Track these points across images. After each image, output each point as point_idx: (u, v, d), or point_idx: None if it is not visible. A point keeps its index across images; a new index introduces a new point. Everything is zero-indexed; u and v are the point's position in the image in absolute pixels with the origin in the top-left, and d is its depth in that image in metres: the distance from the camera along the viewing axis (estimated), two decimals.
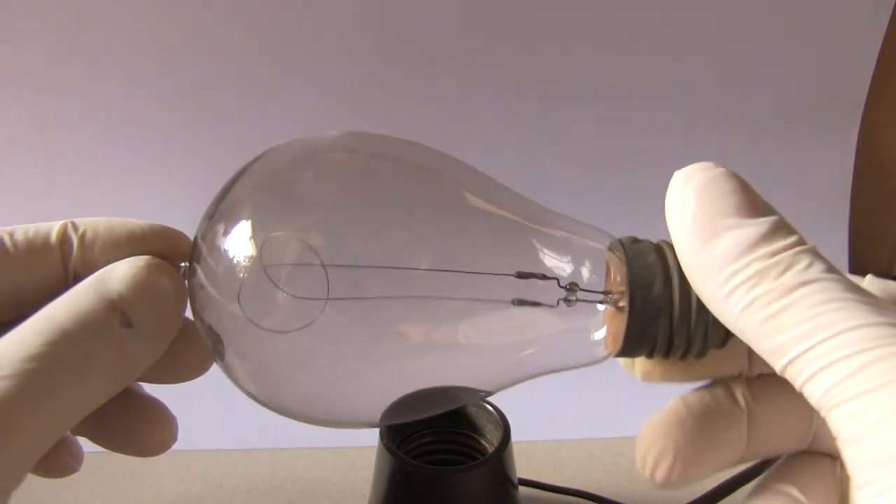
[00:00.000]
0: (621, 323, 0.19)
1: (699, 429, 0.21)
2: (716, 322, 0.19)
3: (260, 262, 0.18)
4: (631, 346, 0.20)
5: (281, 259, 0.19)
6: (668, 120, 0.51)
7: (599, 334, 0.20)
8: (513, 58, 0.49)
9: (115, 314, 0.18)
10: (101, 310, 0.18)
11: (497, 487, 0.33)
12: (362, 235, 0.19)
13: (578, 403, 0.47)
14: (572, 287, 0.20)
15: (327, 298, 0.18)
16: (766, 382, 0.22)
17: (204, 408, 0.47)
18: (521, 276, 0.19)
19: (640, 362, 0.22)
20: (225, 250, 0.19)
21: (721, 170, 0.18)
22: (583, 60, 0.49)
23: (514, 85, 0.50)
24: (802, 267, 0.17)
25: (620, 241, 0.20)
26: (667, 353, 0.20)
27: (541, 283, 0.19)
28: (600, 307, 0.20)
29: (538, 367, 0.21)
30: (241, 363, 0.20)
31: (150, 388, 0.23)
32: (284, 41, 0.48)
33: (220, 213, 0.20)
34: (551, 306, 0.20)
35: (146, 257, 0.19)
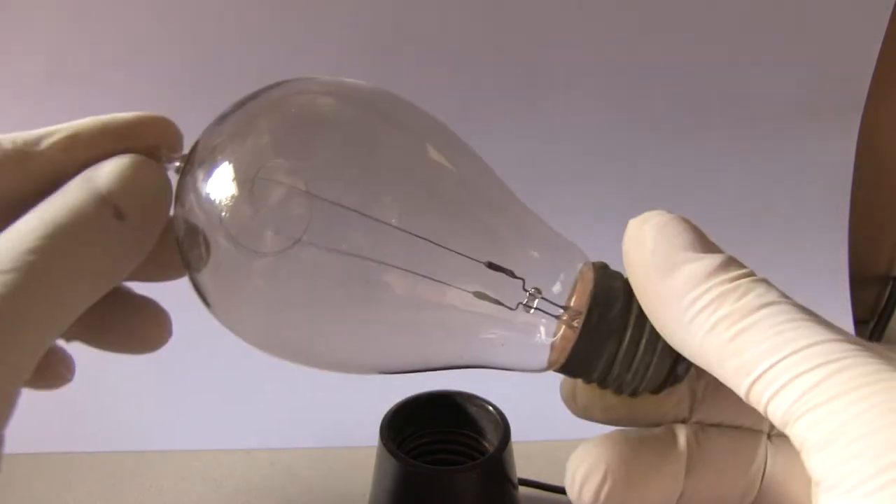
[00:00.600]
0: (571, 340, 0.20)
1: (633, 453, 0.21)
2: (658, 366, 0.20)
3: (251, 186, 0.19)
4: (575, 360, 0.20)
5: (272, 188, 0.19)
6: (667, 120, 0.51)
7: (547, 344, 0.20)
8: (512, 56, 0.49)
9: (107, 208, 0.19)
10: (92, 203, 0.19)
11: (497, 487, 0.33)
12: (353, 188, 0.20)
13: None
14: (535, 293, 0.20)
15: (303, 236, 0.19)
16: (707, 433, 0.22)
17: (204, 408, 0.47)
18: (491, 266, 0.20)
19: (581, 395, 0.22)
20: (222, 167, 0.19)
21: (673, 215, 0.19)
22: (582, 59, 0.49)
23: (514, 83, 0.50)
24: (760, 292, 0.17)
25: (593, 264, 0.21)
26: (603, 380, 0.20)
27: (507, 278, 0.20)
28: (555, 319, 0.20)
29: (481, 359, 0.21)
30: (212, 278, 0.20)
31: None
32: (285, 40, 0.48)
33: (223, 130, 0.20)
34: (510, 308, 0.20)
35: (130, 154, 0.20)
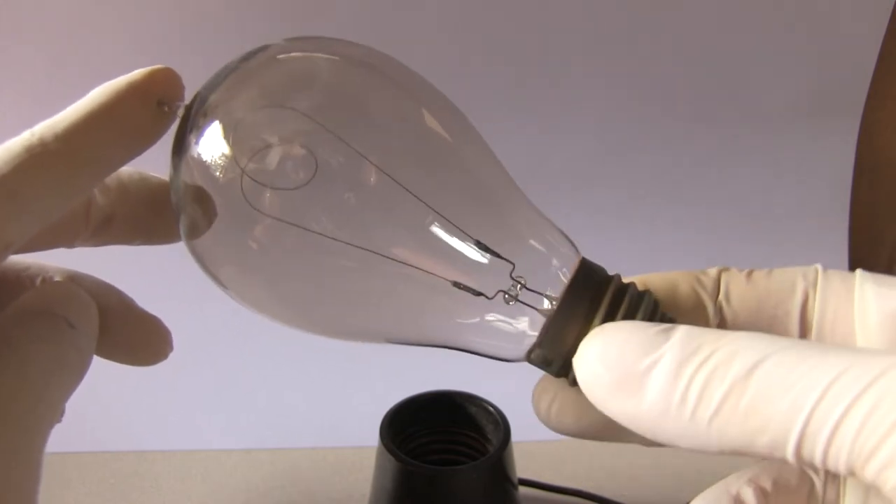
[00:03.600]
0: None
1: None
2: None
3: (241, 144, 0.19)
4: (541, 350, 0.20)
5: (262, 149, 0.19)
6: (667, 120, 0.51)
7: (531, 335, 0.20)
8: (512, 54, 0.49)
9: (62, 321, 0.20)
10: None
11: (497, 487, 0.33)
12: (352, 145, 0.20)
13: None
14: (519, 282, 0.20)
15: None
16: None
17: (204, 408, 0.47)
18: (480, 245, 0.20)
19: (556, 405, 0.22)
20: (218, 124, 0.20)
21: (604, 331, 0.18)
22: (582, 57, 0.49)
23: (513, 82, 0.50)
24: (728, 348, 0.16)
25: (582, 259, 0.20)
26: (565, 369, 0.20)
27: (495, 261, 0.20)
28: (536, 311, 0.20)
29: (461, 342, 0.21)
30: (213, 238, 0.20)
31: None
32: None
33: (224, 85, 0.21)
34: (488, 297, 0.20)
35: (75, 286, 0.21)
